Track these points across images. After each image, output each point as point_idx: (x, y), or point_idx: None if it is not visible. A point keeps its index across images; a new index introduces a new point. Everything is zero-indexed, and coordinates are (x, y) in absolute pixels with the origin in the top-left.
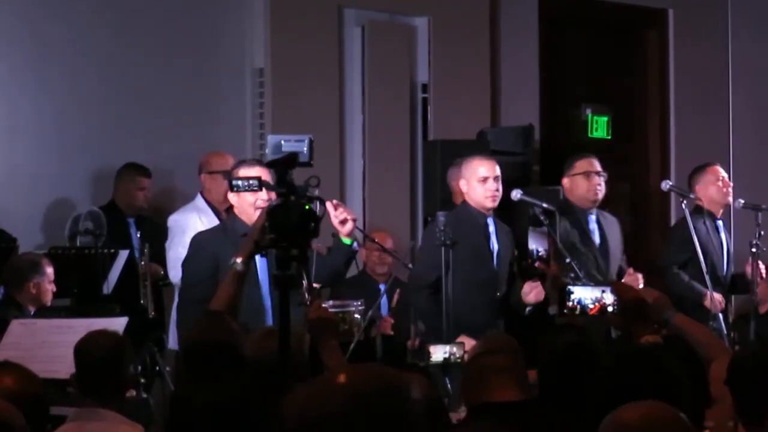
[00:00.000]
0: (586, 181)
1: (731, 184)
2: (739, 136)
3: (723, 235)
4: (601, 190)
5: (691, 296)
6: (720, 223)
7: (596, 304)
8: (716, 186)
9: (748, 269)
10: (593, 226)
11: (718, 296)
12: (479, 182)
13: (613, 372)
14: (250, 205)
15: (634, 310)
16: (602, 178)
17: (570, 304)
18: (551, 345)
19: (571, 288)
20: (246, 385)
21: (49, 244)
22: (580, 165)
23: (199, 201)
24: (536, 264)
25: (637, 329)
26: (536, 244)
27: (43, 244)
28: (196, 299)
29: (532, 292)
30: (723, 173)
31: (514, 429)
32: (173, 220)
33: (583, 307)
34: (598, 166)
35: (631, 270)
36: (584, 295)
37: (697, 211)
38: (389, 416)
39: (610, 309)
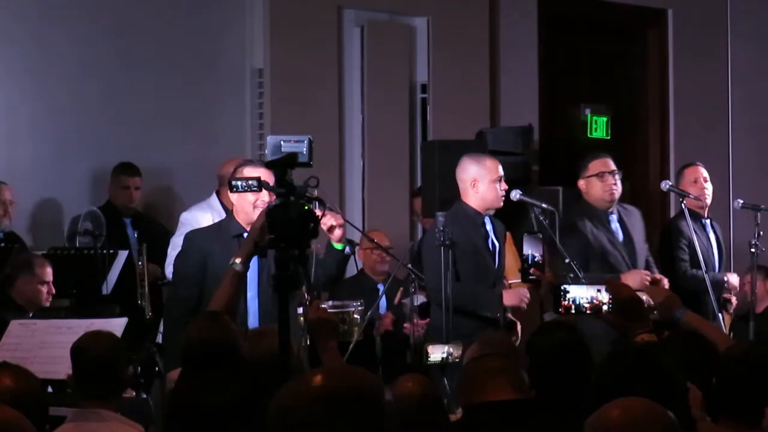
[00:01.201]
0: (601, 182)
1: (707, 186)
2: (738, 135)
3: (712, 234)
4: (617, 189)
5: (717, 284)
6: (707, 222)
7: (591, 302)
8: (694, 187)
9: (731, 280)
10: (615, 225)
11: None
12: (494, 182)
13: (609, 371)
14: (251, 205)
15: (630, 308)
16: (617, 177)
17: (565, 303)
18: (543, 343)
19: (566, 287)
20: (244, 386)
21: (48, 244)
22: (594, 166)
23: (214, 200)
24: (531, 270)
25: (633, 328)
26: (531, 250)
27: (43, 244)
28: (181, 297)
29: (630, 277)
30: (702, 173)
31: (510, 428)
32: (185, 217)
33: (578, 306)
34: (612, 165)
35: (657, 276)
36: (579, 293)
37: (681, 212)
38: (360, 419)
39: (605, 308)
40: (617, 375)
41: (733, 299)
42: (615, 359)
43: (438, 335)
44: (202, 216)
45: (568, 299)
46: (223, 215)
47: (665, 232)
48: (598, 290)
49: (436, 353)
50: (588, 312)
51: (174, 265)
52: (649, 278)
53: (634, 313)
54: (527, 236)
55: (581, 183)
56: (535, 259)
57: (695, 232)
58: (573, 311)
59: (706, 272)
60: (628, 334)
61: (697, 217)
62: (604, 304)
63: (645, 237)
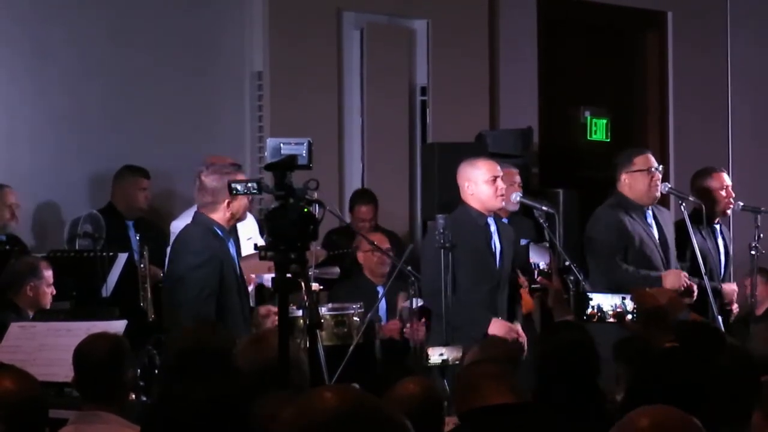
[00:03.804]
0: (648, 178)
1: (733, 194)
2: (737, 138)
3: (720, 240)
4: (660, 186)
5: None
6: (718, 227)
7: (615, 310)
8: (719, 194)
9: (727, 288)
10: (651, 220)
11: (730, 286)
12: (488, 182)
13: (634, 377)
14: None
15: (654, 317)
16: (660, 174)
17: (590, 310)
18: (551, 341)
19: (590, 294)
20: (235, 392)
21: (48, 247)
22: (641, 161)
23: None
24: (538, 279)
25: (657, 337)
26: (538, 259)
27: (43, 247)
28: (208, 312)
29: (669, 278)
30: (728, 181)
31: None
32: (176, 226)
33: (603, 314)
34: (656, 162)
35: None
36: (603, 301)
37: (696, 215)
38: None
39: (629, 316)
40: (642, 382)
41: (734, 307)
42: (641, 366)
43: (437, 339)
44: None
45: (593, 306)
46: None
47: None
48: (623, 298)
49: (436, 355)
50: (611, 320)
51: (193, 280)
52: (687, 279)
53: (658, 323)
54: (533, 245)
55: (624, 177)
56: (541, 268)
57: (703, 236)
58: (596, 319)
59: (705, 273)
60: (651, 343)
61: (709, 221)
62: (629, 312)
63: (674, 239)
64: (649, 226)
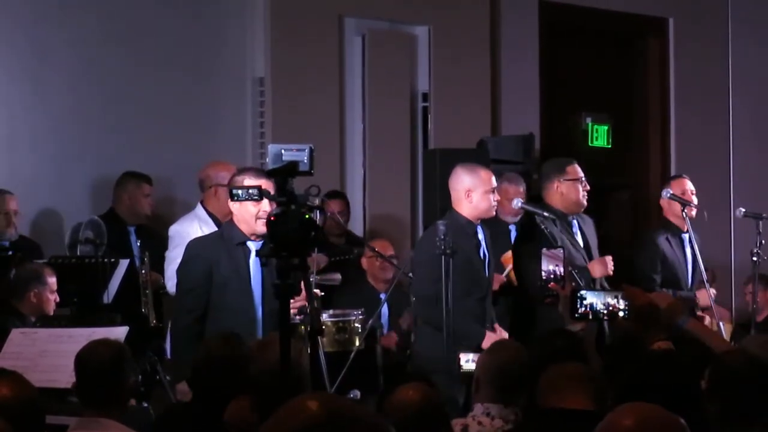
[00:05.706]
0: (580, 187)
1: (694, 200)
2: (739, 144)
3: (688, 249)
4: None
5: (687, 302)
6: (686, 236)
7: (608, 309)
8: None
9: (701, 295)
10: (575, 229)
11: (703, 293)
12: (488, 193)
13: (629, 377)
14: (252, 216)
15: (647, 315)
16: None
17: (582, 309)
18: (544, 347)
19: (583, 293)
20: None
21: (49, 253)
22: (574, 170)
23: (200, 210)
24: (550, 285)
25: (649, 335)
26: (550, 265)
27: (44, 253)
28: (187, 308)
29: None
30: (688, 186)
31: None
32: (174, 230)
33: (596, 313)
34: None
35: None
36: (596, 300)
37: (663, 225)
38: None
39: (621, 314)
40: (638, 381)
41: (707, 318)
42: (636, 366)
43: (425, 342)
44: (190, 226)
45: (585, 305)
46: (210, 224)
47: (640, 246)
48: (616, 297)
49: (463, 362)
50: (605, 318)
51: (178, 276)
52: (611, 263)
53: (650, 320)
54: (546, 251)
55: (557, 185)
56: (554, 275)
57: (671, 246)
58: (590, 318)
59: (707, 280)
60: (644, 342)
61: (676, 231)
62: (620, 310)
63: (597, 244)
64: (575, 234)
